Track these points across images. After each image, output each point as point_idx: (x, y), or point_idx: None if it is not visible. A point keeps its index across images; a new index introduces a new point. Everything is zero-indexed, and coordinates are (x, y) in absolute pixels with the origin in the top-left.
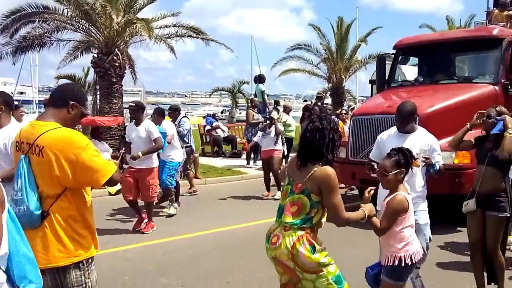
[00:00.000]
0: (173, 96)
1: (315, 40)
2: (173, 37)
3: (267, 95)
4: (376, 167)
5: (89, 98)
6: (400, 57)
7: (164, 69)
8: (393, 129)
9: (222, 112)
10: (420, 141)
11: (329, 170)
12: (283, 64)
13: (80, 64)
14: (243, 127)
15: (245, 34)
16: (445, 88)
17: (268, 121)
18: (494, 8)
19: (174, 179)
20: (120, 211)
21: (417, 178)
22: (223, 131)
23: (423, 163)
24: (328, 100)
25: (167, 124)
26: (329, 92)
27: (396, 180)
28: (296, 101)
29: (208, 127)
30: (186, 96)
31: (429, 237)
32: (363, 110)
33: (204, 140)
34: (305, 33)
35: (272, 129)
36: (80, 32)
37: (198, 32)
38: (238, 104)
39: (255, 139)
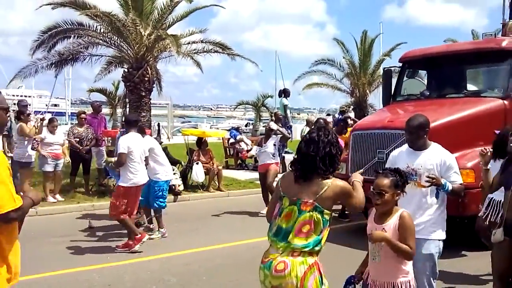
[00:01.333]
0: (199, 109)
1: (339, 54)
2: (200, 53)
3: (290, 109)
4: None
5: (119, 111)
6: (408, 70)
7: (191, 83)
8: (406, 145)
9: (246, 125)
10: (433, 158)
11: (339, 182)
12: (306, 78)
13: (110, 78)
14: None
15: (270, 48)
16: (452, 102)
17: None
18: (510, 20)
19: (164, 199)
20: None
21: (428, 201)
22: (247, 144)
23: (428, 184)
24: (352, 114)
25: (145, 139)
26: (352, 106)
27: (393, 201)
28: (320, 115)
29: (232, 140)
30: (211, 109)
31: (433, 272)
32: (364, 124)
33: (228, 153)
34: (328, 48)
35: (270, 143)
36: (112, 48)
37: (224, 48)
38: (261, 118)
39: (252, 152)
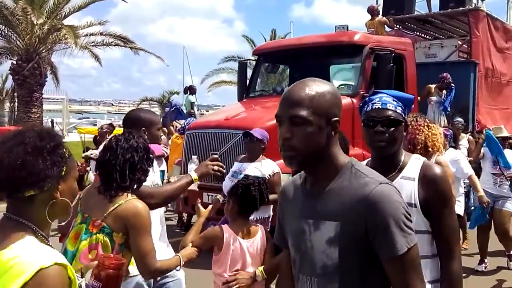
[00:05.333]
0: (99, 104)
1: (248, 52)
2: (99, 45)
3: (197, 106)
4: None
5: (7, 106)
6: (267, 64)
7: (89, 76)
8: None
9: None
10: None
11: (138, 204)
12: (215, 75)
13: None
14: None
15: (175, 42)
16: None
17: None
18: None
19: None
20: None
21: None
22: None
23: None
24: None
25: None
26: None
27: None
28: None
29: None
30: (113, 104)
31: None
32: (199, 123)
33: None
34: (237, 45)
35: None
36: None
37: (126, 41)
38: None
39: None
